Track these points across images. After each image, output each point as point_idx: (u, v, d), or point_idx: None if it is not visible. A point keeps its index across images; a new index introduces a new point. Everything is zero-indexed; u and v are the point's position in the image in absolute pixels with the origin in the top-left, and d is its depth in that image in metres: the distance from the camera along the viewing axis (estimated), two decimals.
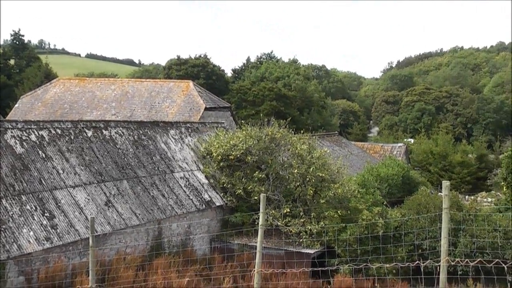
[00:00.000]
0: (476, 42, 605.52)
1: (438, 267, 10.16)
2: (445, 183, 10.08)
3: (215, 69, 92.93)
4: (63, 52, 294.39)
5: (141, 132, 29.26)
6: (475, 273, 22.62)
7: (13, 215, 19.93)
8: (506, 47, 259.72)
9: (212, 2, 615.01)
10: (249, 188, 28.94)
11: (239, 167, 30.18)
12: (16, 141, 22.61)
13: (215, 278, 22.13)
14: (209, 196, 29.28)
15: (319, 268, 19.58)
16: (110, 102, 47.26)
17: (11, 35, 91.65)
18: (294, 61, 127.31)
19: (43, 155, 23.06)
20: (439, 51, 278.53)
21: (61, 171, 23.07)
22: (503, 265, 10.42)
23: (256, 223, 26.14)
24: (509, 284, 22.33)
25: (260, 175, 29.28)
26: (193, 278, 21.38)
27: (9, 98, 69.77)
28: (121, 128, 28.26)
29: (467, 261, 10.67)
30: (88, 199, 23.03)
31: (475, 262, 10.75)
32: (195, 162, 30.81)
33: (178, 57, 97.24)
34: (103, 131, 27.07)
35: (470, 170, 79.01)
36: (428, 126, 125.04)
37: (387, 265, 14.21)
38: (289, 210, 28.06)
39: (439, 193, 37.23)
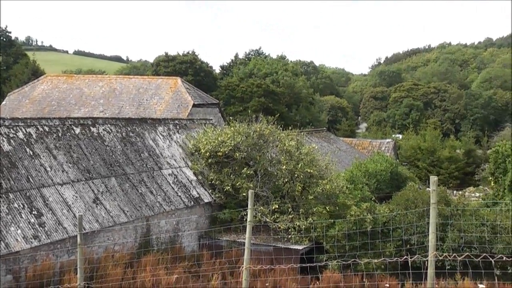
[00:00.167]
0: (464, 38, 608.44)
1: (426, 262, 10.22)
2: (433, 178, 10.14)
3: (203, 66, 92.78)
4: (51, 49, 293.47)
5: (129, 129, 29.20)
6: (463, 267, 22.71)
7: (1, 213, 19.84)
8: (494, 43, 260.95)
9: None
10: (237, 184, 28.95)
11: (227, 164, 30.18)
12: (3, 138, 22.51)
13: (203, 274, 22.12)
14: (198, 193, 29.26)
15: (308, 264, 19.60)
16: (98, 99, 47.13)
17: None
18: (282, 58, 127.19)
19: (31, 153, 22.97)
20: (427, 47, 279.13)
21: (48, 169, 23.00)
22: (491, 259, 10.50)
23: (244, 220, 26.12)
24: (496, 278, 22.41)
25: (248, 172, 29.28)
26: (182, 275, 21.36)
27: None
28: (109, 125, 28.19)
29: (455, 255, 10.72)
30: (76, 197, 22.96)
31: (463, 256, 10.82)
32: (184, 159, 30.78)
33: (166, 53, 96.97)
34: (91, 128, 27.00)
35: (458, 165, 79.32)
36: (416, 122, 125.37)
37: (375, 261, 14.32)
38: (277, 207, 28.09)
39: (427, 189, 37.31)
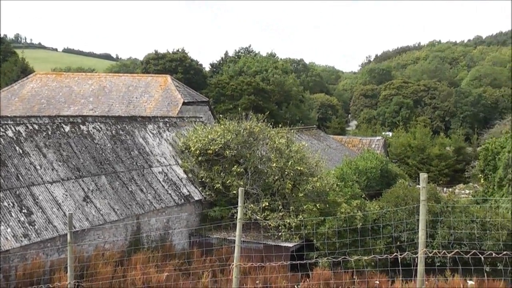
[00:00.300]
0: (454, 36, 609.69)
1: (416, 259, 10.25)
2: (423, 176, 10.18)
3: (193, 64, 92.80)
4: (40, 46, 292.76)
5: (119, 127, 29.16)
6: (453, 264, 22.75)
7: None
8: (483, 41, 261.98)
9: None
10: (227, 182, 28.96)
11: (217, 162, 30.18)
12: None
13: (194, 272, 22.12)
14: (188, 191, 29.25)
15: (298, 262, 19.62)
16: (88, 97, 47.05)
17: None
18: (272, 55, 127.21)
19: (20, 151, 22.90)
20: (417, 45, 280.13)
21: (38, 167, 22.94)
22: (480, 255, 10.54)
23: (234, 217, 26.17)
24: (486, 274, 22.49)
25: (238, 169, 29.29)
26: (172, 273, 21.36)
27: None
28: (98, 123, 28.14)
29: (444, 252, 10.75)
30: (66, 195, 22.91)
31: (453, 253, 10.86)
32: (174, 157, 30.76)
33: (156, 51, 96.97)
34: (81, 126, 26.95)
35: (448, 163, 79.70)
36: (406, 120, 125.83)
37: (366, 258, 14.32)
38: (267, 204, 28.12)
39: (417, 186, 37.43)
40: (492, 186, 40.31)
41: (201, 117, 38.20)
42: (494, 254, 10.68)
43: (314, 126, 68.95)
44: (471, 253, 10.66)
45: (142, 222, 25.73)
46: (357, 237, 25.35)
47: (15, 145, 22.90)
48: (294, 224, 26.88)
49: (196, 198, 29.37)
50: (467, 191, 63.21)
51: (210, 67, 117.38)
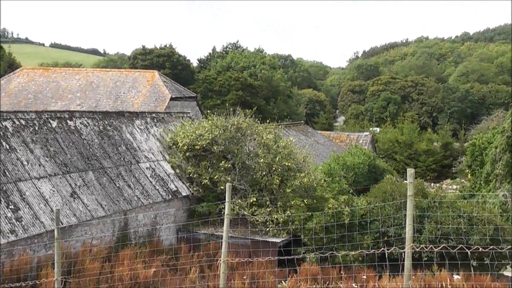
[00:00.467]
0: (441, 32, 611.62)
1: (403, 254, 10.28)
2: (410, 171, 10.22)
3: (181, 59, 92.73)
4: (27, 41, 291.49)
5: (106, 122, 29.09)
6: (440, 258, 22.88)
7: None
8: (471, 37, 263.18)
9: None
10: (215, 178, 28.94)
11: (205, 157, 30.16)
12: None
13: (181, 268, 22.11)
14: (175, 186, 29.22)
15: (286, 257, 19.63)
16: (75, 92, 46.93)
17: None
18: (260, 51, 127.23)
19: (7, 147, 22.80)
20: (404, 41, 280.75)
21: (25, 163, 22.84)
22: (467, 250, 10.59)
23: (222, 213, 26.17)
24: (472, 269, 22.60)
25: (226, 165, 29.27)
26: (160, 268, 21.34)
27: None
28: (86, 119, 28.05)
29: (431, 247, 10.81)
30: (53, 191, 22.83)
31: (440, 248, 10.91)
32: (161, 152, 30.72)
33: (143, 47, 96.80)
34: (68, 121, 26.85)
35: (435, 158, 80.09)
36: (394, 115, 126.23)
37: (353, 253, 14.34)
38: (255, 200, 28.12)
39: (405, 181, 37.51)
40: (479, 181, 40.53)
41: (189, 113, 38.14)
42: (480, 249, 10.78)
43: (302, 121, 69.05)
44: (458, 248, 10.71)
45: (130, 217, 25.69)
46: (344, 233, 25.39)
47: (1, 141, 22.80)
48: (281, 219, 26.90)
49: (184, 194, 29.34)
50: (454, 186, 63.52)
51: (198, 62, 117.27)
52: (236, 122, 30.49)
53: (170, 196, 28.43)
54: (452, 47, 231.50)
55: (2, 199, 20.67)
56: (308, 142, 49.15)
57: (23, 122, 24.49)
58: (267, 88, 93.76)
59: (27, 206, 21.23)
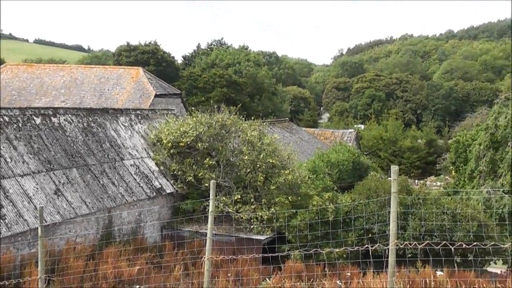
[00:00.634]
0: (426, 30, 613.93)
1: (387, 250, 10.32)
2: (394, 168, 10.26)
3: (165, 56, 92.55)
4: (10, 37, 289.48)
5: (90, 119, 28.97)
6: (424, 255, 22.94)
7: None
8: (455, 35, 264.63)
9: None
10: (199, 175, 28.92)
11: (189, 154, 30.12)
12: None
13: (166, 265, 22.08)
14: (160, 184, 29.17)
15: (270, 254, 19.65)
16: (59, 89, 46.74)
17: None
18: (244, 48, 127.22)
19: None
20: (389, 39, 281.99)
21: (9, 160, 22.71)
22: (451, 247, 10.63)
23: (206, 210, 26.09)
24: (456, 265, 22.69)
25: (210, 162, 29.25)
26: (144, 266, 21.31)
27: None
28: (70, 115, 27.93)
29: (415, 243, 10.84)
30: (37, 188, 22.72)
31: (424, 244, 10.95)
32: (145, 149, 30.65)
33: (128, 43, 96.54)
34: (52, 118, 26.72)
35: (419, 155, 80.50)
36: (378, 112, 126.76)
37: (337, 250, 14.39)
38: (240, 197, 28.13)
39: (389, 178, 37.63)
40: (463, 178, 40.66)
41: (173, 110, 38.08)
42: (464, 245, 10.77)
43: (287, 118, 69.16)
44: (441, 244, 10.76)
45: (114, 215, 25.62)
46: (329, 230, 25.43)
47: None
48: (266, 217, 26.93)
49: (168, 191, 29.30)
50: (439, 183, 63.82)
51: (183, 59, 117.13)
52: (220, 119, 30.47)
53: (155, 193, 28.37)
54: (436, 45, 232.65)
55: None
56: (292, 139, 49.25)
57: (6, 118, 24.34)
58: (252, 85, 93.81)
59: (11, 203, 21.12)
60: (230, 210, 27.44)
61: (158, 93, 44.41)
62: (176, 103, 46.24)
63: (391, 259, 10.19)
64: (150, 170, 29.42)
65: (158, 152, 30.79)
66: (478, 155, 37.16)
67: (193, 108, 35.40)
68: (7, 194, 21.33)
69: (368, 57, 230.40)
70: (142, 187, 27.92)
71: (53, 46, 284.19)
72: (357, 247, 12.16)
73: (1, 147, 22.93)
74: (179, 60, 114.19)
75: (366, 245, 12.16)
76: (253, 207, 27.66)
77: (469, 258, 24.62)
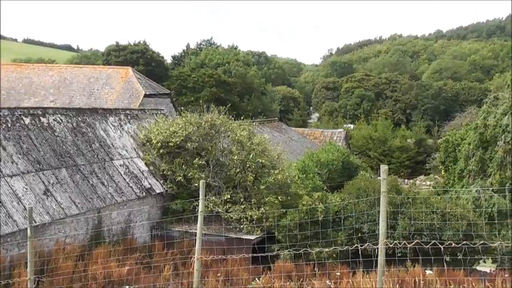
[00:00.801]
0: (415, 30, 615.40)
1: (377, 250, 10.33)
2: (383, 167, 10.27)
3: (154, 56, 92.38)
4: None
5: (80, 119, 28.90)
6: (413, 254, 22.99)
7: None
8: (444, 35, 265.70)
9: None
10: (189, 175, 28.89)
11: (179, 154, 30.09)
12: None
13: (155, 265, 22.06)
14: (149, 184, 29.13)
15: (260, 254, 19.68)
16: (48, 89, 46.64)
17: None
18: (234, 48, 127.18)
19: None
20: (378, 39, 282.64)
21: None
22: (440, 246, 10.67)
23: (196, 210, 26.06)
24: (445, 264, 22.76)
25: (200, 162, 29.24)
26: (134, 266, 21.28)
27: None
28: (59, 115, 27.84)
29: (405, 243, 10.85)
30: (26, 189, 22.63)
31: (413, 243, 10.97)
32: (135, 149, 30.59)
33: (117, 43, 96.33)
34: (41, 118, 26.64)
35: (409, 155, 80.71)
36: (368, 112, 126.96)
37: (327, 250, 14.42)
38: (229, 197, 28.13)
39: (378, 177, 37.70)
40: (453, 177, 40.84)
41: (163, 110, 38.04)
42: (453, 244, 10.82)
43: (276, 118, 69.19)
44: (431, 244, 10.78)
45: (103, 215, 25.56)
46: (318, 229, 25.45)
47: None
48: (255, 216, 26.94)
49: (158, 191, 29.26)
50: (428, 183, 63.93)
51: (172, 59, 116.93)
52: (210, 119, 30.46)
53: (144, 193, 28.33)
54: (425, 45, 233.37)
55: None
56: (282, 139, 49.27)
57: None
58: (241, 85, 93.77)
59: (0, 204, 21.03)
60: (220, 210, 27.44)
61: (147, 93, 44.38)
62: (165, 103, 46.19)
63: (381, 258, 10.20)
64: (139, 170, 29.37)
65: (147, 152, 30.75)
66: (468, 155, 37.31)
67: (182, 108, 35.43)
68: None
69: (357, 57, 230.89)
70: (131, 187, 27.87)
71: (42, 45, 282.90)
72: (347, 246, 12.18)
73: None
74: (168, 60, 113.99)
75: (356, 245, 12.17)
76: (242, 207, 27.66)
77: (459, 257, 24.61)
